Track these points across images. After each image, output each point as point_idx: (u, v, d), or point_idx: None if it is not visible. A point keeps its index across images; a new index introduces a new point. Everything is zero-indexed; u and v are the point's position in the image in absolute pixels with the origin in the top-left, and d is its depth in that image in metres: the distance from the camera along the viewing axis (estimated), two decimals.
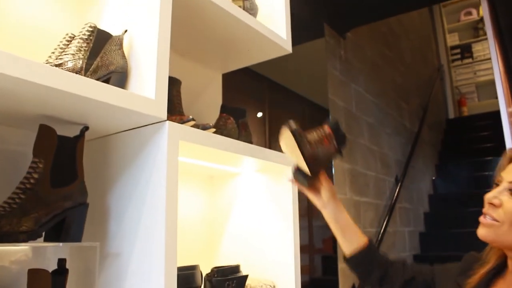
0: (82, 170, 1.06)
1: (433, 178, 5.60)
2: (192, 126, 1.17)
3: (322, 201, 1.20)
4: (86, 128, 1.07)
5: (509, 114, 3.43)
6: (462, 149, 5.93)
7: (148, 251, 1.03)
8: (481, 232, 1.01)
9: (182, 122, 1.16)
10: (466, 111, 7.27)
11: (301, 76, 3.42)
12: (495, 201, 0.98)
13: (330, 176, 3.15)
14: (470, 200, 4.72)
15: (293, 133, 1.09)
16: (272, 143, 2.89)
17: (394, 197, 4.07)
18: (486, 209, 1.01)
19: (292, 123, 1.11)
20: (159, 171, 1.05)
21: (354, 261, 1.18)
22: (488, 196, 1.01)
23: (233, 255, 1.52)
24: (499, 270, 1.06)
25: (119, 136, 1.17)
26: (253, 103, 3.20)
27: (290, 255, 1.43)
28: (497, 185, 1.03)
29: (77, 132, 1.06)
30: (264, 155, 1.39)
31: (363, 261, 1.18)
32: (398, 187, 4.20)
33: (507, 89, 4.02)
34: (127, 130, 1.15)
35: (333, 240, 3.08)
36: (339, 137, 1.15)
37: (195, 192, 1.61)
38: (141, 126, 1.11)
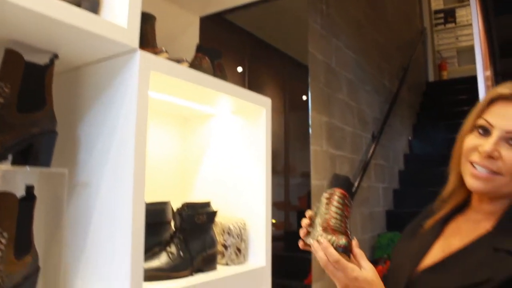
0: (51, 98, 1.04)
1: (410, 138, 5.68)
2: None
3: None
4: (55, 56, 1.04)
5: (486, 78, 3.47)
6: (440, 112, 5.99)
7: (117, 181, 1.03)
8: (479, 185, 0.94)
9: (155, 53, 1.15)
10: (446, 75, 7.33)
11: (282, 32, 3.39)
12: (495, 154, 0.91)
13: (307, 129, 3.17)
14: (445, 161, 4.80)
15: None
16: None
17: (370, 153, 4.13)
18: (481, 161, 0.93)
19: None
20: (130, 101, 1.04)
21: None
22: (488, 150, 0.92)
23: (206, 194, 1.53)
24: (460, 208, 1.07)
25: (91, 67, 1.15)
26: (234, 57, 3.18)
27: (262, 196, 1.45)
28: (484, 129, 0.97)
29: (46, 61, 1.04)
30: (239, 93, 1.38)
31: None
32: (374, 144, 4.25)
33: (485, 53, 4.05)
34: (98, 61, 1.13)
35: (308, 197, 3.13)
36: (352, 192, 0.99)
37: (170, 132, 1.61)
38: (113, 56, 1.09)
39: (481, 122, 0.98)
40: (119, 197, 1.03)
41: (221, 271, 1.33)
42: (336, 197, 0.96)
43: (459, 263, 0.93)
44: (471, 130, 1.01)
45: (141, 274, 1.01)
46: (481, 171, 0.94)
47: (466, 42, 7.36)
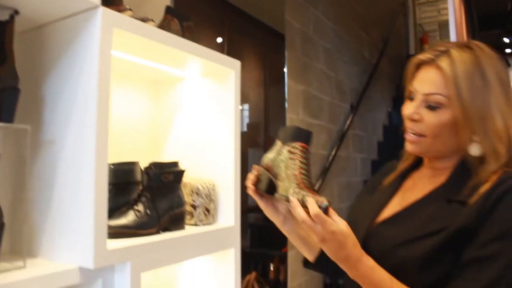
0: (12, 55, 1.03)
1: (389, 110, 5.72)
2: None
3: (282, 217, 1.11)
4: (15, 12, 1.03)
5: None
6: None
7: (81, 140, 1.04)
8: (410, 148, 1.03)
9: (119, 11, 1.14)
10: (427, 48, 7.34)
11: (261, 2, 3.36)
12: (416, 117, 0.99)
13: (283, 96, 3.17)
14: None
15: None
16: None
17: (348, 123, 4.15)
18: (409, 125, 1.01)
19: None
20: (92, 59, 1.03)
21: (322, 261, 1.09)
22: (408, 113, 1.00)
23: (176, 156, 1.53)
24: (415, 165, 1.13)
25: (53, 25, 1.13)
26: (212, 28, 3.14)
27: (230, 157, 1.46)
28: (412, 94, 1.03)
29: (7, 18, 1.03)
30: (208, 55, 1.38)
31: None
32: (352, 114, 4.27)
33: (461, 25, 4.08)
34: (61, 19, 1.11)
35: None
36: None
37: (141, 95, 1.60)
38: (75, 14, 1.08)
39: (409, 88, 1.04)
40: (82, 156, 1.03)
41: (189, 230, 1.35)
42: (301, 153, 0.98)
43: (415, 214, 0.97)
44: (408, 97, 1.06)
45: (105, 232, 1.02)
46: (411, 135, 1.02)
47: (448, 15, 7.36)
